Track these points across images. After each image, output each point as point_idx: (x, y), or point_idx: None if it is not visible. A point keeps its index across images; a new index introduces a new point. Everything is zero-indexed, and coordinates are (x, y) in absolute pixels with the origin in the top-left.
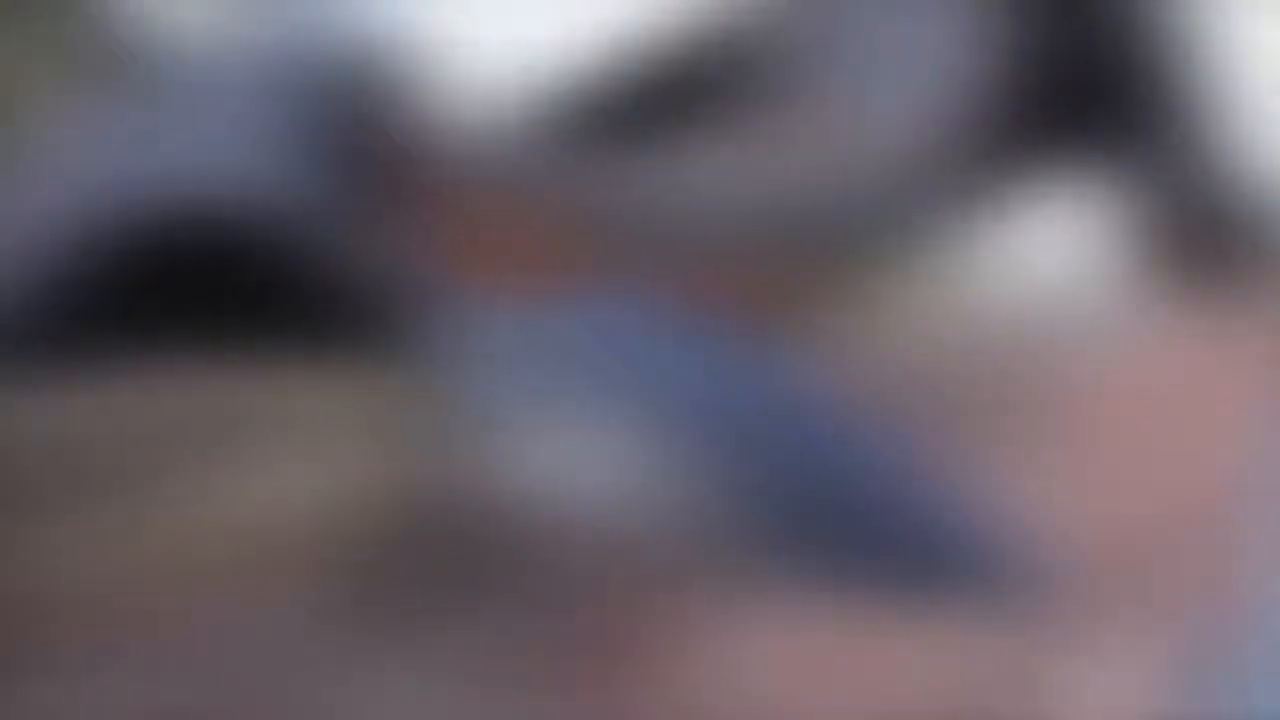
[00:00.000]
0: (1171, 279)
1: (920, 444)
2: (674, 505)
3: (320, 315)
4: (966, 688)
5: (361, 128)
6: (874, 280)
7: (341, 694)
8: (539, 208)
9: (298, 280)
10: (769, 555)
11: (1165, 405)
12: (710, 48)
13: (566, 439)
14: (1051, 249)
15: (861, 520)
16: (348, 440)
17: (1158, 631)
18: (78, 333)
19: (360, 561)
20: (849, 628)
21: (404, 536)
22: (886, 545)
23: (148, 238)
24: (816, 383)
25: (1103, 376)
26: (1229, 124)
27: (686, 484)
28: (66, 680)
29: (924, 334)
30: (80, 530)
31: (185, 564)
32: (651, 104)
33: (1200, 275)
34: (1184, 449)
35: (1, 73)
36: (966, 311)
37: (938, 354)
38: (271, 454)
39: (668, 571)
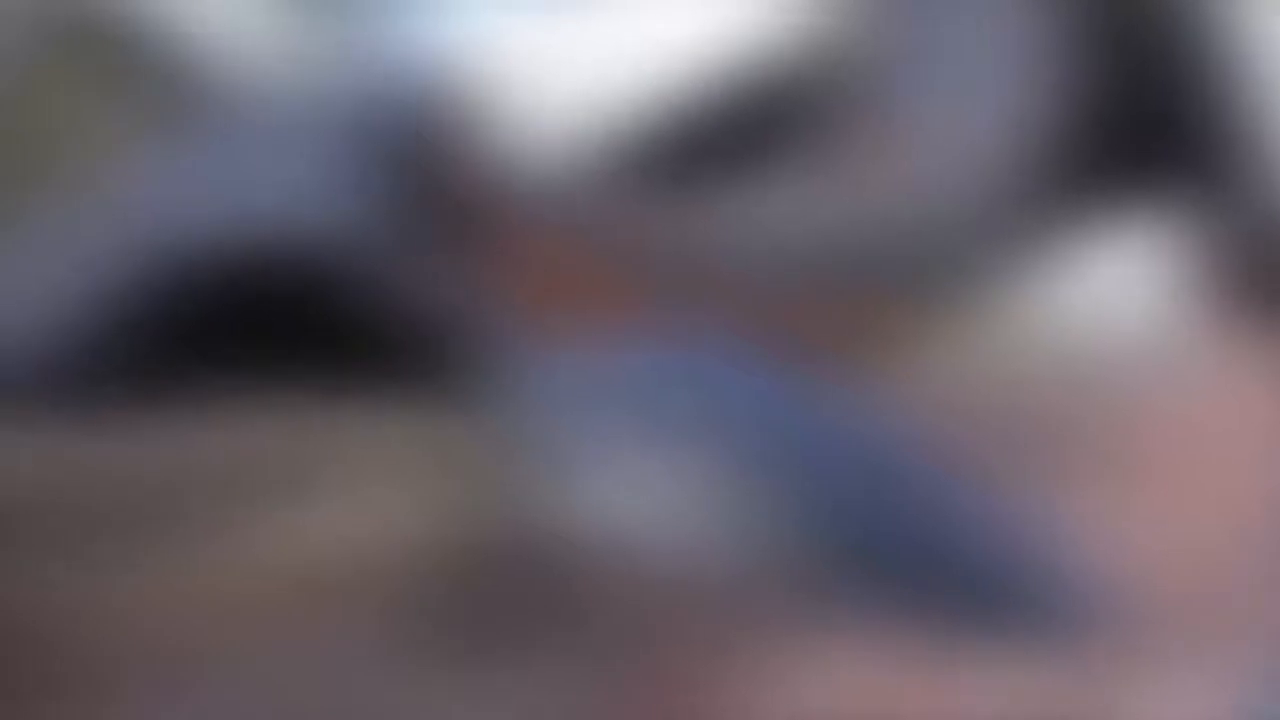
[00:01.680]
0: (1234, 314)
1: (986, 480)
2: (738, 544)
3: (385, 355)
4: None
5: (427, 167)
6: (938, 317)
7: None
8: (604, 247)
9: (362, 320)
10: (835, 593)
11: (1228, 439)
12: (773, 87)
13: (630, 479)
14: (1115, 285)
15: (928, 557)
16: (412, 480)
17: (1223, 664)
18: (143, 373)
19: (424, 601)
20: (916, 665)
21: (467, 577)
22: (952, 581)
23: (213, 277)
24: (881, 420)
25: (1166, 411)
26: None
27: (751, 523)
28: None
29: (987, 370)
30: (147, 570)
31: (249, 604)
32: (716, 144)
33: (1262, 310)
34: (1248, 482)
35: (64, 113)
36: (1031, 348)
37: (1002, 390)
38: (336, 494)
39: (733, 611)
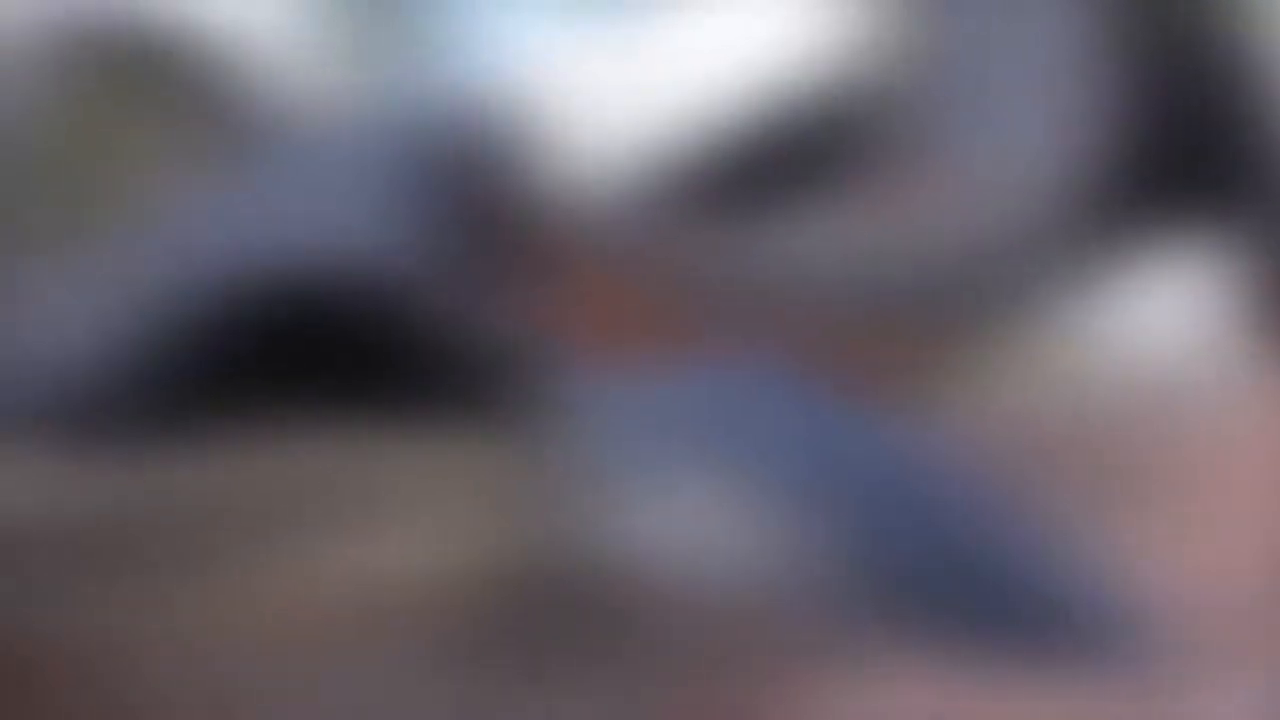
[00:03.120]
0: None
1: (1034, 508)
2: (788, 573)
3: (436, 384)
4: None
5: (477, 196)
6: (986, 345)
7: None
8: (651, 274)
9: (414, 349)
10: (884, 621)
11: (1275, 466)
12: (821, 115)
13: (678, 506)
14: (1162, 313)
15: (976, 584)
16: (460, 508)
17: (1272, 687)
18: (191, 402)
19: (476, 631)
20: (965, 692)
21: (516, 603)
22: (1001, 609)
23: (265, 306)
24: (930, 449)
25: (1213, 438)
26: None
27: (799, 550)
28: None
29: (1033, 398)
30: (200, 600)
31: (298, 631)
32: (765, 172)
33: None
34: None
35: (115, 140)
36: (1078, 376)
37: (1049, 418)
38: (388, 524)
39: (783, 639)
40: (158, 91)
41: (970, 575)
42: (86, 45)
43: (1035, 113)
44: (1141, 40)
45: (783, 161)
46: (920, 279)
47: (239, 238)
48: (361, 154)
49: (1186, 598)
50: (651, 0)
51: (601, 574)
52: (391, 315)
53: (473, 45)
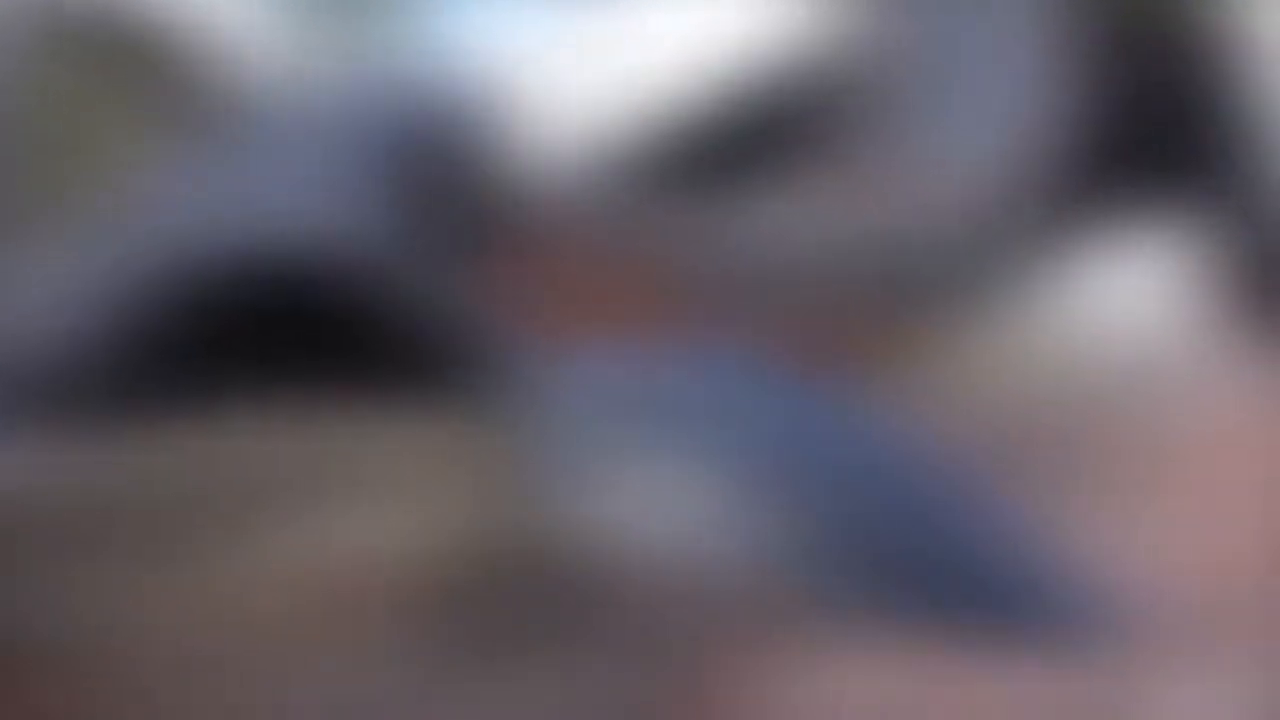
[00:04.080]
0: (1248, 324)
1: (1003, 490)
2: (757, 554)
3: (405, 364)
4: None
5: (446, 178)
6: (953, 326)
7: None
8: (624, 258)
9: (383, 329)
10: (853, 603)
11: (1244, 447)
12: (789, 101)
13: (651, 488)
14: (1132, 295)
15: (945, 566)
16: (433, 489)
17: (1240, 675)
18: (159, 382)
19: (444, 609)
20: (934, 673)
21: (488, 584)
22: (970, 592)
23: (232, 287)
24: (899, 431)
25: (1181, 420)
26: None
27: (770, 532)
28: None
29: (1004, 381)
30: (167, 578)
31: (268, 612)
32: (735, 157)
33: (1276, 319)
34: (1265, 489)
35: (84, 121)
36: (1048, 358)
37: (1019, 401)
38: (355, 504)
39: (751, 620)
40: (131, 75)
41: (940, 558)
42: (61, 30)
43: (1001, 98)
44: (1107, 24)
45: (751, 147)
46: (889, 263)
47: (211, 220)
48: (333, 137)
49: (1156, 581)
50: None
51: (572, 555)
52: (363, 297)
53: (443, 29)
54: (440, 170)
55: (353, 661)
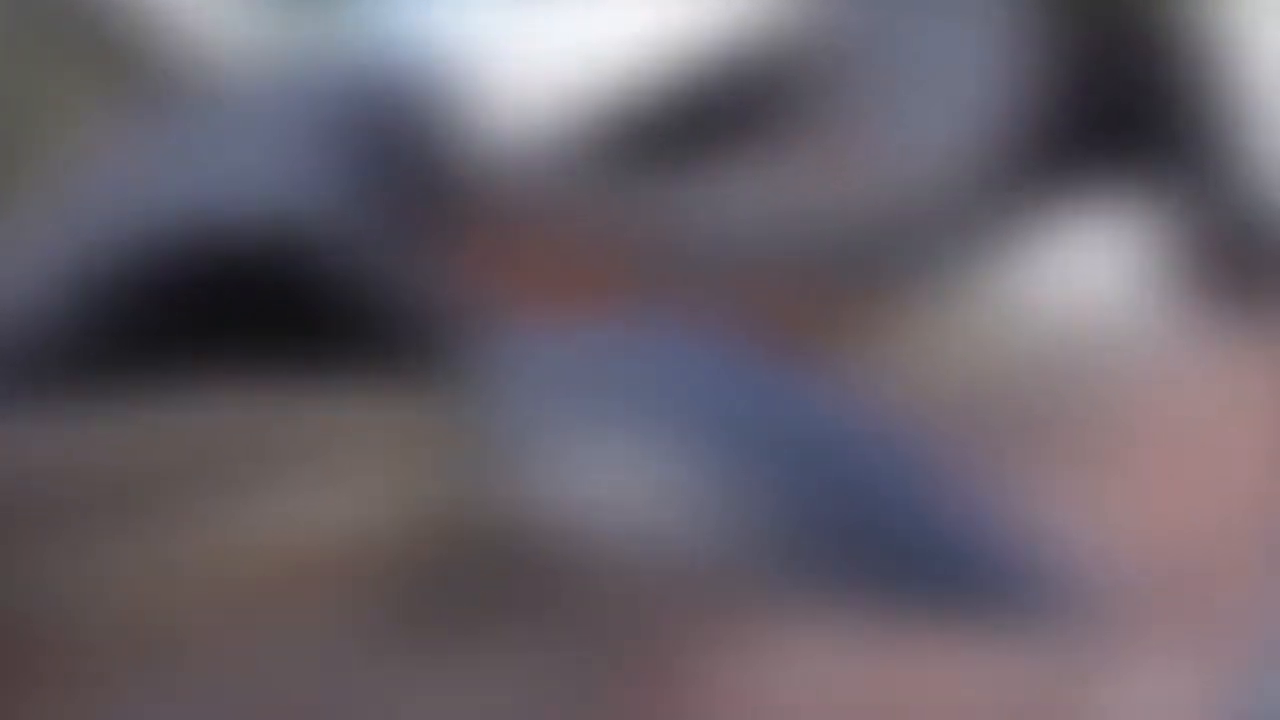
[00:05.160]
0: (1210, 297)
1: (960, 467)
2: (714, 530)
3: (360, 341)
4: (1011, 709)
5: (401, 153)
6: (912, 304)
7: (377, 718)
8: (579, 233)
9: (336, 306)
10: (809, 580)
11: (1204, 425)
12: (749, 74)
13: (606, 465)
14: (1088, 271)
15: (902, 544)
16: (386, 466)
17: (1200, 653)
18: (114, 357)
19: (398, 587)
20: (889, 652)
21: (442, 562)
22: (927, 569)
23: (187, 262)
24: (858, 407)
25: (1141, 397)
26: (1268, 145)
27: (726, 510)
28: (99, 706)
29: (962, 357)
30: (121, 556)
31: (221, 589)
32: (691, 130)
33: (1239, 295)
34: (1224, 468)
35: (35, 93)
36: (1005, 333)
37: (976, 375)
38: (312, 480)
39: (708, 596)
40: (91, 53)
41: (901, 536)
42: (19, 6)
43: (963, 77)
44: (1069, 4)
45: (709, 123)
46: (849, 242)
47: (166, 194)
48: (291, 115)
49: (1117, 559)
50: None
51: (530, 532)
52: (315, 271)
53: (404, 7)
54: (397, 148)
55: (308, 638)
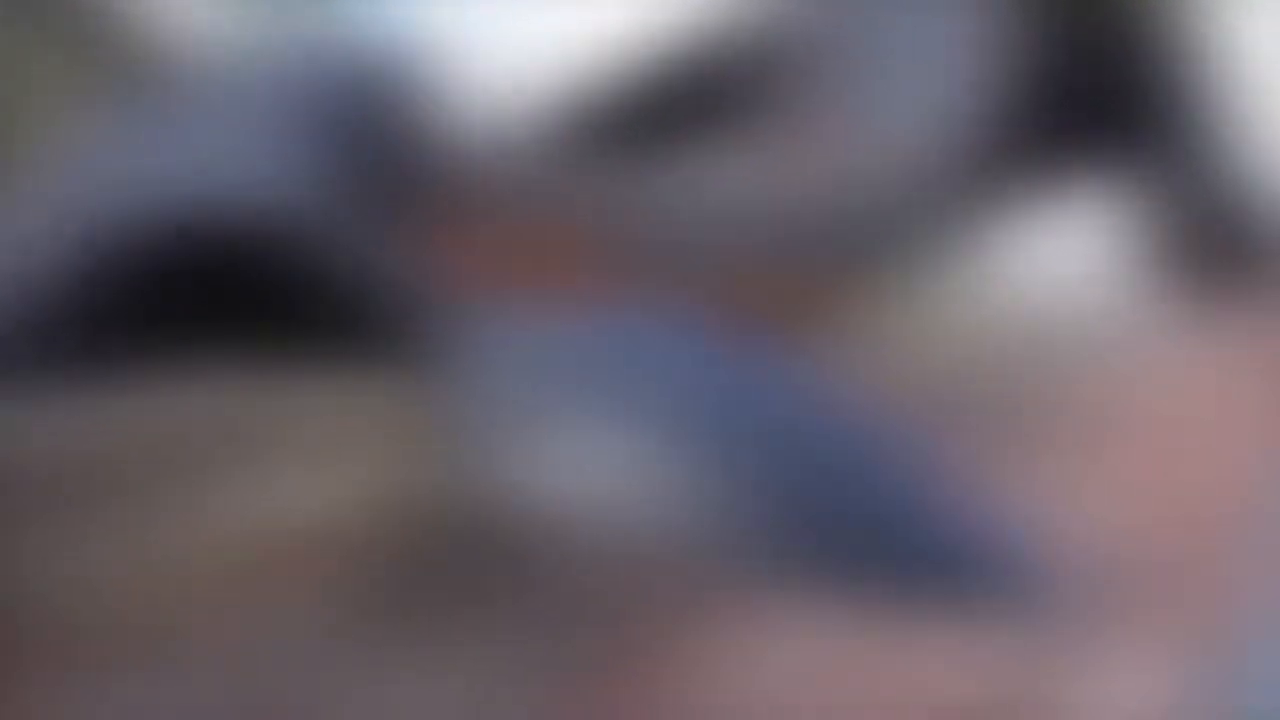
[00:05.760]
0: (1185, 284)
1: (936, 452)
2: (686, 516)
3: (334, 326)
4: (985, 696)
5: (377, 138)
6: (887, 290)
7: (351, 705)
8: (553, 220)
9: (312, 291)
10: (785, 565)
11: (1178, 410)
12: (723, 60)
13: (581, 451)
14: (1064, 256)
15: (878, 529)
16: (361, 451)
17: (1175, 638)
18: (89, 343)
19: (372, 572)
20: (866, 637)
21: (416, 547)
22: (903, 553)
23: (161, 247)
24: (833, 393)
25: (1116, 382)
26: (1241, 129)
27: (699, 494)
28: (74, 689)
29: (938, 342)
30: (99, 541)
31: (196, 574)
32: (667, 116)
33: (1213, 280)
34: (1199, 454)
35: (15, 79)
36: (980, 319)
37: (952, 362)
38: (284, 465)
39: (680, 582)
40: (66, 37)
41: (871, 520)
42: None
43: (937, 61)
44: None
45: (684, 109)
46: (824, 227)
47: (143, 183)
48: (266, 100)
49: (1088, 540)
50: None
51: (504, 517)
52: (293, 258)
53: None
54: (374, 137)
55: (283, 622)
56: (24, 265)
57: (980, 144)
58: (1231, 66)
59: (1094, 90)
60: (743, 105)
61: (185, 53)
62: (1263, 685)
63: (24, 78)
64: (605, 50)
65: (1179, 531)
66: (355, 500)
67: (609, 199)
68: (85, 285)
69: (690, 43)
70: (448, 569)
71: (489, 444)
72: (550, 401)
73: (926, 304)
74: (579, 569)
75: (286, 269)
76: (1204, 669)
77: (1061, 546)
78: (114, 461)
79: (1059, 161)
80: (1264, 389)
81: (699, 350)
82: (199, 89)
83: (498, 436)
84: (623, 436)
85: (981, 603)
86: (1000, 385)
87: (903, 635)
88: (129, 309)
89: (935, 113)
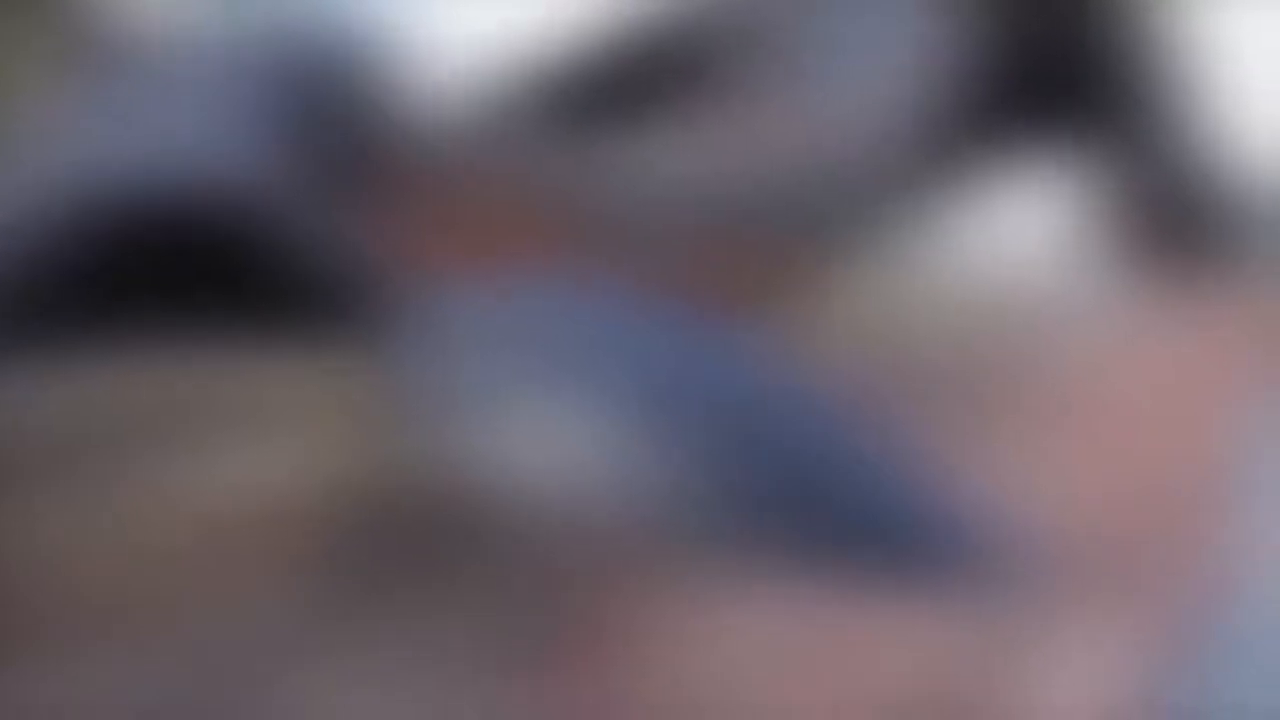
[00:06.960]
0: (1144, 265)
1: (892, 429)
2: (645, 490)
3: (291, 301)
4: (941, 673)
5: (333, 114)
6: (845, 266)
7: (313, 680)
8: (509, 193)
9: (269, 266)
10: (741, 540)
11: (1138, 391)
12: (680, 32)
13: (537, 424)
14: (1023, 236)
15: (834, 505)
16: (319, 427)
17: (1132, 617)
18: (50, 319)
19: (330, 547)
20: (822, 613)
21: (374, 522)
22: (859, 530)
23: (121, 224)
24: (787, 368)
25: (1076, 362)
26: (1201, 110)
27: (657, 469)
28: (33, 668)
29: (895, 320)
30: (54, 516)
31: (155, 550)
32: (622, 89)
33: (1173, 261)
34: (1158, 434)
35: None
36: (938, 298)
37: (909, 340)
38: (241, 440)
39: (638, 557)
40: (22, 12)
41: (826, 496)
42: None
43: (892, 31)
44: None
45: (639, 84)
46: (774, 198)
47: (101, 156)
48: (224, 75)
49: (1047, 519)
50: None
51: (460, 491)
52: (251, 233)
53: None
54: (329, 110)
55: (241, 597)
56: None
57: (938, 120)
58: (1188, 45)
59: (1053, 66)
60: (698, 80)
61: (146, 34)
62: (1220, 662)
63: None
64: (560, 27)
65: (1137, 508)
66: (313, 475)
67: (565, 175)
68: (41, 262)
69: (645, 18)
70: (405, 544)
71: (446, 419)
72: (508, 376)
73: (884, 279)
74: (537, 543)
75: (244, 247)
76: (1162, 647)
77: (1019, 522)
78: (69, 438)
79: (1018, 138)
80: (1221, 367)
81: (655, 325)
82: (159, 69)
83: (455, 411)
84: (580, 411)
85: (939, 578)
86: (956, 363)
87: (860, 609)
88: (86, 286)
89: (892, 89)
